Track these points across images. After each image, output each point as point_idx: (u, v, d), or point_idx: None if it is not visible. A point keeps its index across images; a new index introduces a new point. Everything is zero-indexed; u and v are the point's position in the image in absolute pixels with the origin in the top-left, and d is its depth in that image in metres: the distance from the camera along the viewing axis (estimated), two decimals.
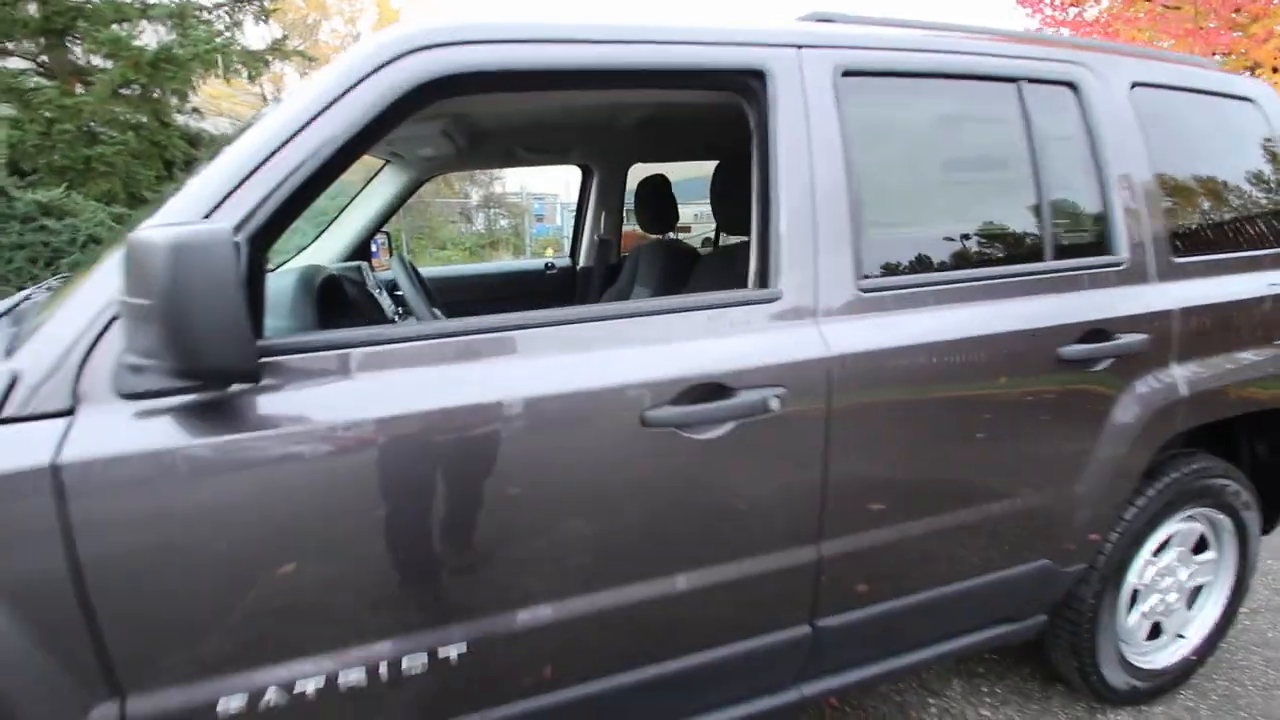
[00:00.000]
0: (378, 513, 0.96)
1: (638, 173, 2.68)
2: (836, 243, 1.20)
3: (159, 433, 0.87)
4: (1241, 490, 1.76)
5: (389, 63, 0.98)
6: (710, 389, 1.09)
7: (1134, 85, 1.58)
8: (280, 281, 1.44)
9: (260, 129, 0.95)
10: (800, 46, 1.22)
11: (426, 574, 1.01)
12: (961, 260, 1.37)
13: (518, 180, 15.31)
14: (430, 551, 1.01)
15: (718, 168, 1.75)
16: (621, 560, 1.11)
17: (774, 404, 1.09)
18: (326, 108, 0.95)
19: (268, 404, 0.91)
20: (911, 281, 1.28)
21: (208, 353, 0.77)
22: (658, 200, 2.33)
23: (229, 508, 0.90)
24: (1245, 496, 1.77)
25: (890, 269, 1.29)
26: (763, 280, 1.18)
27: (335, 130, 0.94)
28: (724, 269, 1.73)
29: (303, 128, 0.94)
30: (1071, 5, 8.94)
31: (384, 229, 2.60)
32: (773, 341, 1.14)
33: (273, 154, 0.92)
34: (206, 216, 0.90)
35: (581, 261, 2.81)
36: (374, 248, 2.87)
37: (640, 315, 1.11)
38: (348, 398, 0.95)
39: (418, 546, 1.00)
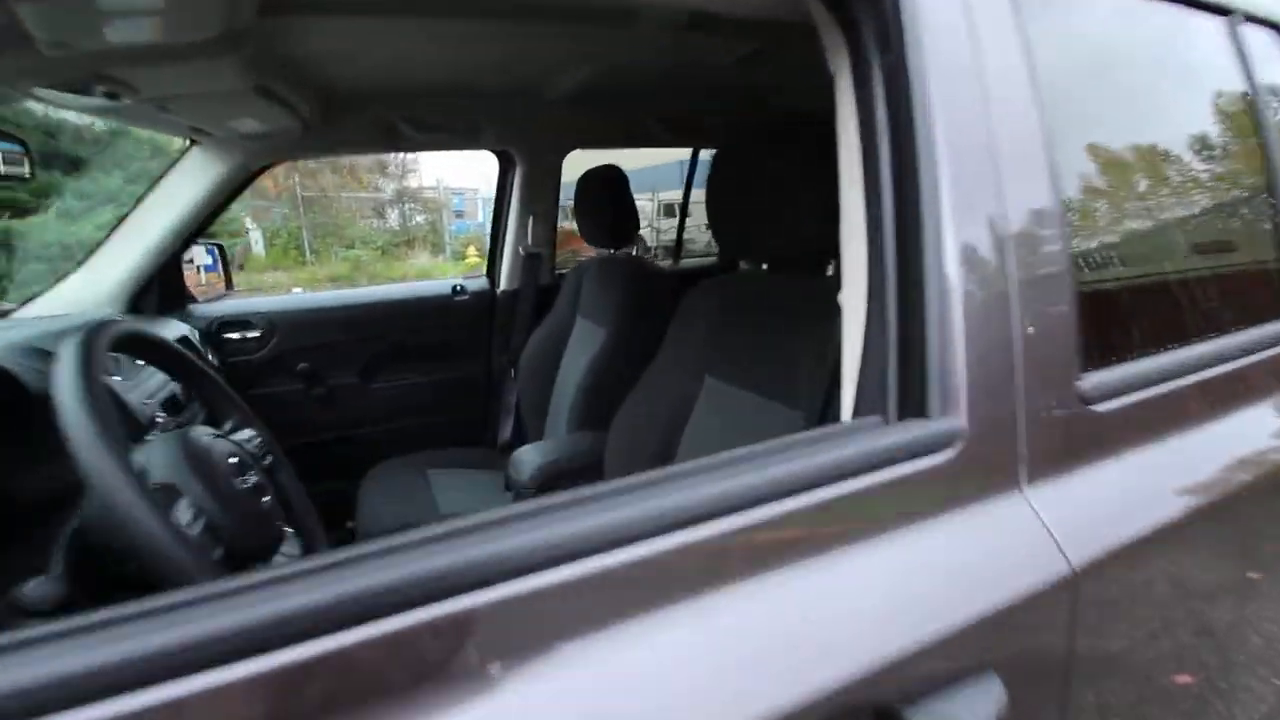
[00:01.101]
0: None
1: (576, 163, 1.97)
2: (1047, 300, 0.56)
3: None
4: None
5: None
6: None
7: None
8: None
9: None
10: None
11: None
12: (1201, 324, 0.76)
13: (433, 173, 14.25)
14: None
15: (718, 159, 1.08)
16: None
17: None
18: None
19: None
20: (1150, 374, 0.65)
21: None
22: (609, 202, 1.63)
23: None
24: None
25: (1113, 351, 0.65)
26: (906, 389, 0.51)
27: None
28: (751, 316, 1.03)
29: None
30: None
31: (206, 238, 1.78)
32: (959, 553, 0.48)
33: None
34: None
35: (503, 283, 2.05)
36: (209, 260, 2.04)
37: (651, 532, 0.40)
38: None
39: None
